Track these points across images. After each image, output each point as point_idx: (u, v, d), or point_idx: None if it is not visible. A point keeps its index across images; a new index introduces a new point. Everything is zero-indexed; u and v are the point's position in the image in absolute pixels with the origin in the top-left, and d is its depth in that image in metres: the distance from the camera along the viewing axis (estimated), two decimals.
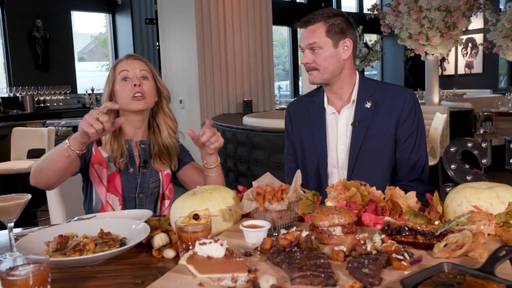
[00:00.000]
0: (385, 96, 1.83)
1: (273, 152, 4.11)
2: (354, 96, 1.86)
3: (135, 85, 1.73)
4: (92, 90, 8.54)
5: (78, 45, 9.51)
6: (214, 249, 1.01)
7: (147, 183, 1.81)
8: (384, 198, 1.37)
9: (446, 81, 11.84)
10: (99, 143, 1.77)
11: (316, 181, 1.90)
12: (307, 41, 1.80)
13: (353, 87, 1.87)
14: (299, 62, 11.64)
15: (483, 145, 1.43)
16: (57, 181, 1.62)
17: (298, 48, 11.45)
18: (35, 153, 4.61)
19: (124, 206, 1.77)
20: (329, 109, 1.90)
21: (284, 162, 2.08)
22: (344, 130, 1.86)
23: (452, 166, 1.45)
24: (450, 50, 6.52)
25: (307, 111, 1.95)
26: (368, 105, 1.83)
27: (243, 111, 5.82)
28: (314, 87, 2.02)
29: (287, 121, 2.04)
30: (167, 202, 1.85)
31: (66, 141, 1.53)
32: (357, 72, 1.90)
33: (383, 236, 1.08)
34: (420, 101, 2.06)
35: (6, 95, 7.62)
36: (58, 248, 1.20)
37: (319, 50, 1.79)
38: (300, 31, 1.87)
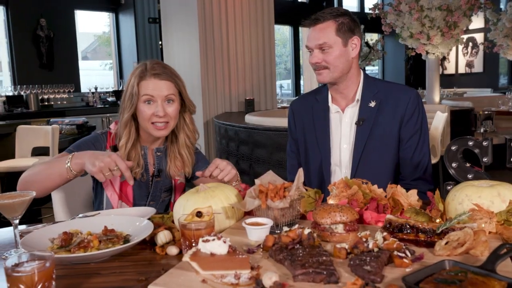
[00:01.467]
0: (389, 95, 1.84)
1: (275, 150, 4.12)
2: (358, 95, 1.86)
3: (158, 115, 1.65)
4: (96, 88, 8.59)
5: (82, 44, 9.52)
6: (217, 246, 1.02)
7: (159, 192, 1.79)
8: (385, 196, 1.38)
9: (447, 80, 11.85)
10: (114, 148, 1.71)
11: (319, 180, 1.90)
12: (316, 42, 1.79)
13: (357, 86, 1.88)
14: (301, 61, 11.63)
15: (484, 143, 1.43)
16: (48, 193, 1.59)
17: (300, 47, 11.27)
18: (39, 151, 4.64)
19: None
20: (333, 108, 1.90)
21: (286, 159, 2.09)
22: (348, 129, 1.87)
23: (453, 165, 1.46)
24: (451, 49, 6.51)
25: (311, 109, 1.95)
26: (372, 104, 1.83)
27: (245, 109, 5.82)
28: (316, 85, 2.02)
29: (290, 119, 2.04)
30: None
31: (68, 162, 1.49)
32: (361, 71, 1.91)
33: (384, 233, 1.09)
34: None
35: (10, 94, 7.67)
36: (62, 245, 1.20)
37: (329, 49, 1.78)
38: (305, 30, 1.87)
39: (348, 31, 1.79)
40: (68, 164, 1.49)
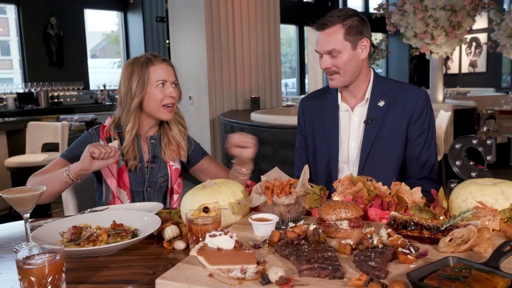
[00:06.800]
0: (399, 95, 1.83)
1: (280, 147, 4.13)
2: (368, 94, 1.86)
3: (171, 96, 1.77)
4: (104, 86, 8.69)
5: (91, 43, 9.62)
6: (223, 241, 1.03)
7: (155, 178, 1.85)
8: (390, 193, 1.38)
9: (450, 80, 11.83)
10: (108, 139, 1.78)
11: (326, 177, 1.91)
12: (325, 47, 1.75)
13: (367, 85, 1.87)
14: (306, 60, 11.62)
15: (488, 142, 1.43)
16: (51, 200, 1.68)
17: (305, 46, 11.25)
18: (49, 147, 4.71)
19: (133, 200, 1.80)
20: (342, 106, 1.90)
21: (295, 154, 2.10)
22: (356, 127, 1.87)
23: (457, 163, 1.47)
24: (454, 49, 6.51)
25: (320, 106, 1.95)
26: (381, 103, 1.83)
27: (250, 107, 5.84)
28: (321, 84, 2.03)
29: (300, 115, 2.05)
30: (175, 197, 1.88)
31: (66, 168, 1.60)
32: (371, 70, 1.89)
33: (389, 230, 1.10)
34: None
35: (21, 91, 7.81)
36: (72, 238, 1.23)
37: (338, 55, 1.75)
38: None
39: (357, 34, 1.75)
40: (67, 170, 1.60)
